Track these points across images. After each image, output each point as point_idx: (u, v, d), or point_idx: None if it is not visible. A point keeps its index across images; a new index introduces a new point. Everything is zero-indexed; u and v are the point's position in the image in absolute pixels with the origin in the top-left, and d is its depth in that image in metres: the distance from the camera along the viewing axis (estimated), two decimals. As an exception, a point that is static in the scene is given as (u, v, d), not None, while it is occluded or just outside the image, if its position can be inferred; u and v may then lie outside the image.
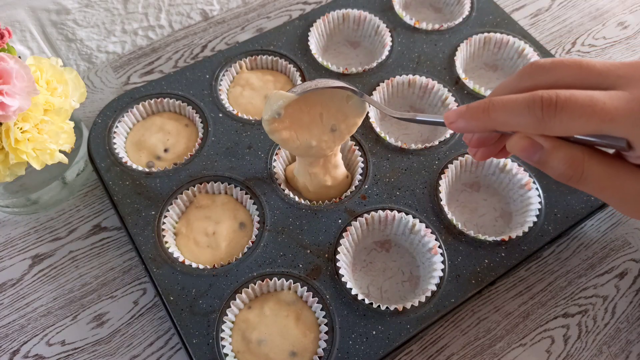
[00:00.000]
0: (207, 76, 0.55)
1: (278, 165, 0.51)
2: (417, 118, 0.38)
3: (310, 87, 0.41)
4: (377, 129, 0.52)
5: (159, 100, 0.54)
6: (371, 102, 0.42)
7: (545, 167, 0.31)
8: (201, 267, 0.45)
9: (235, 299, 0.43)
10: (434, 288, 0.44)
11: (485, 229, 0.49)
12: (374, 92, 0.55)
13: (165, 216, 0.47)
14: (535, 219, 0.47)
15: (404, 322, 0.42)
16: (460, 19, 0.60)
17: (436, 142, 0.51)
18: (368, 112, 0.53)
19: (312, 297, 0.43)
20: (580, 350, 0.46)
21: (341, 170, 0.49)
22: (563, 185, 0.49)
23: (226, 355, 0.41)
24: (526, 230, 0.46)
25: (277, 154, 0.51)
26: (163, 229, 0.47)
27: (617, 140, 0.29)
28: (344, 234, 0.46)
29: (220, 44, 0.64)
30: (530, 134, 0.31)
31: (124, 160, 0.50)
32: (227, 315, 0.43)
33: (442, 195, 0.48)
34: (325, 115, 0.44)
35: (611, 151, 0.31)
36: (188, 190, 0.49)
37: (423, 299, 0.43)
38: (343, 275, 0.44)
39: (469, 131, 0.35)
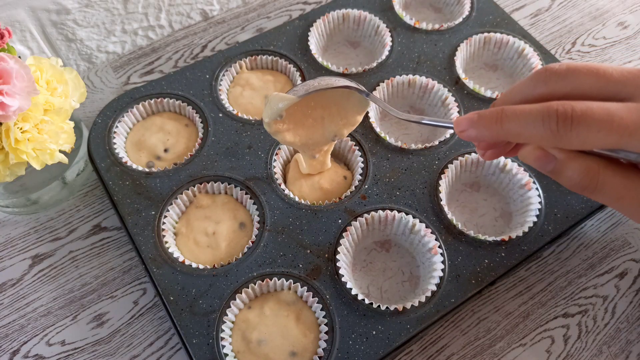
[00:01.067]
0: (207, 76, 0.55)
1: (278, 165, 0.51)
2: (424, 121, 0.37)
3: (313, 88, 0.39)
4: (377, 129, 0.52)
5: (159, 100, 0.54)
6: (377, 102, 0.41)
7: (559, 177, 0.30)
8: (201, 267, 0.45)
9: (235, 299, 0.43)
10: (434, 288, 0.44)
11: (485, 229, 0.49)
12: (374, 92, 0.55)
13: (165, 216, 0.47)
14: (535, 219, 0.47)
15: (404, 322, 0.42)
16: (460, 19, 0.60)
17: (436, 142, 0.51)
18: (368, 112, 0.53)
19: (312, 297, 0.43)
20: (580, 350, 0.46)
21: (334, 168, 0.50)
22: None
23: (226, 355, 0.41)
24: (526, 230, 0.46)
25: (277, 154, 0.51)
26: (163, 229, 0.47)
27: (634, 155, 0.28)
28: (344, 234, 0.46)
29: (220, 44, 0.64)
30: (544, 146, 0.30)
31: (124, 160, 0.50)
32: (227, 315, 0.43)
33: (442, 195, 0.48)
34: (327, 118, 0.44)
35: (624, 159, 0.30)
36: (188, 190, 0.49)
37: (423, 299, 0.43)
38: (343, 275, 0.44)
39: (480, 140, 0.34)
